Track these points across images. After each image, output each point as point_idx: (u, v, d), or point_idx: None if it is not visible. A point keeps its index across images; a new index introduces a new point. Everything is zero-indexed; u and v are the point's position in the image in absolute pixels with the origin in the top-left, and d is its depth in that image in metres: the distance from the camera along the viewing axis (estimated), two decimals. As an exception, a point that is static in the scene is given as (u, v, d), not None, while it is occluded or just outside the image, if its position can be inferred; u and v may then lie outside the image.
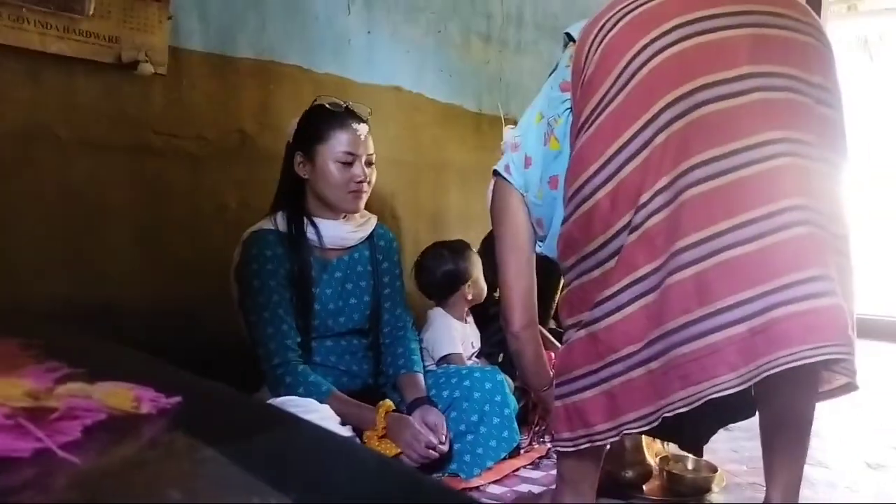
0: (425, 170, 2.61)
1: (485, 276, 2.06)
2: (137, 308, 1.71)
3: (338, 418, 1.42)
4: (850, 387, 1.11)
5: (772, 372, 0.92)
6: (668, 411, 0.99)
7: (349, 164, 1.62)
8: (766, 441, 1.20)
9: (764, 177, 0.97)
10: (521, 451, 1.77)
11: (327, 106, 1.65)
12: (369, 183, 1.67)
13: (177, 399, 0.59)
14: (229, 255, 1.68)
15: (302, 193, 1.68)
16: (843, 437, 2.02)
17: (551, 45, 3.16)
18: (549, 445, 1.78)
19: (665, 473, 1.57)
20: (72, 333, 0.96)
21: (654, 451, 1.64)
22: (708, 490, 1.54)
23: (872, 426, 2.13)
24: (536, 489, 1.55)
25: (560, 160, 1.21)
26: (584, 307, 1.12)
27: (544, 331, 2.03)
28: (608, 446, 1.18)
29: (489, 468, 1.65)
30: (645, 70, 1.04)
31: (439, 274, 2.05)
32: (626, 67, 1.06)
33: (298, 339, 1.59)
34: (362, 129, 1.65)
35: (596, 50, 1.11)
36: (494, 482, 1.61)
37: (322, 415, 1.39)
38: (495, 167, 1.35)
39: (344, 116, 1.64)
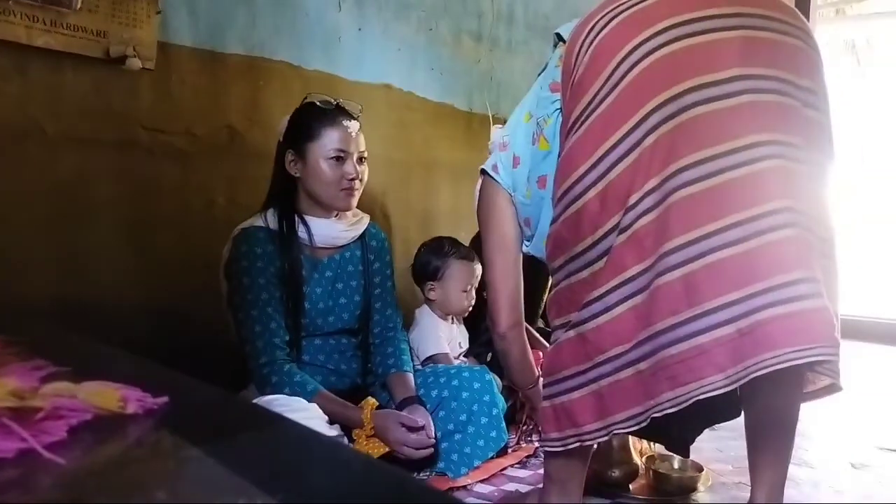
0: (416, 168, 2.61)
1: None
2: (124, 305, 1.69)
3: (325, 417, 1.41)
4: (834, 388, 1.13)
5: (759, 373, 0.93)
6: (657, 412, 1.00)
7: (341, 162, 1.62)
8: (751, 441, 1.21)
9: (751, 179, 0.97)
10: (509, 451, 1.77)
11: (318, 104, 1.64)
12: (361, 180, 1.66)
13: (163, 399, 0.59)
14: (218, 251, 1.67)
15: (293, 191, 1.67)
16: (828, 437, 2.04)
17: (542, 45, 3.16)
18: (536, 445, 1.78)
19: (651, 473, 1.57)
20: (57, 331, 0.96)
21: (640, 450, 1.65)
22: (694, 489, 1.55)
23: (857, 427, 2.15)
24: (524, 488, 1.56)
25: (549, 160, 1.21)
26: (572, 307, 1.12)
27: (532, 330, 2.03)
28: (595, 446, 1.18)
29: (477, 467, 1.65)
30: (635, 71, 1.04)
31: (418, 258, 2.08)
32: (616, 68, 1.06)
33: (287, 338, 1.58)
34: (353, 126, 1.65)
35: (586, 51, 1.11)
36: (482, 481, 1.62)
37: (309, 414, 1.38)
38: (483, 166, 1.35)
39: (335, 114, 1.64)
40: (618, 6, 1.11)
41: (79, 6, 1.58)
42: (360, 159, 1.66)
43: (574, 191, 1.10)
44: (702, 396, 0.96)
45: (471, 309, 2.07)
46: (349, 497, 0.47)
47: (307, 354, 1.66)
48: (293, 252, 1.62)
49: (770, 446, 1.19)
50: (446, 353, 1.99)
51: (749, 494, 1.24)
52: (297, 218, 1.65)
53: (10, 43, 1.51)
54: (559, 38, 1.25)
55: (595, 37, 1.10)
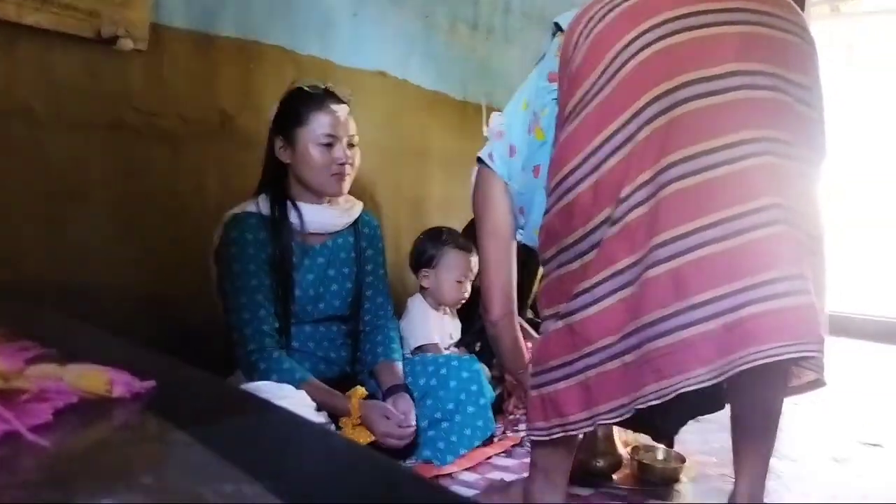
0: (408, 156, 2.60)
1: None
2: (113, 288, 1.68)
3: (313, 405, 1.42)
4: (818, 383, 1.14)
5: (743, 368, 0.94)
6: (641, 404, 1.01)
7: (330, 147, 1.61)
8: (735, 433, 1.23)
9: (742, 175, 0.98)
10: (496, 440, 1.78)
11: (306, 89, 1.63)
12: (352, 165, 1.65)
13: (150, 383, 0.59)
14: (208, 236, 1.66)
15: (285, 177, 1.66)
16: (811, 431, 2.06)
17: (538, 35, 3.15)
18: (522, 434, 1.79)
19: (635, 463, 1.59)
20: (45, 313, 0.95)
21: (624, 441, 1.66)
22: (677, 480, 1.57)
23: (839, 421, 2.18)
24: (509, 477, 1.57)
25: (544, 150, 1.21)
26: (562, 298, 1.13)
27: (522, 321, 2.04)
28: (581, 436, 1.19)
29: (463, 455, 1.66)
30: (631, 64, 1.04)
31: (416, 246, 2.08)
32: (613, 60, 1.06)
33: (276, 326, 1.58)
34: (343, 110, 1.64)
35: (584, 42, 1.11)
36: (467, 469, 1.63)
37: (296, 401, 1.38)
38: (479, 154, 1.35)
39: (323, 98, 1.62)
40: None
41: (70, -16, 1.56)
42: (351, 144, 1.65)
43: (567, 182, 1.11)
44: (686, 390, 0.97)
45: (465, 301, 2.07)
46: (337, 483, 0.48)
47: (297, 341, 1.66)
48: (284, 238, 1.62)
49: (754, 439, 1.20)
50: (436, 344, 1.99)
51: (732, 486, 1.25)
52: (288, 204, 1.64)
53: (-1, 20, 1.49)
54: (558, 27, 1.25)
55: (593, 28, 1.10)
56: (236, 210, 1.62)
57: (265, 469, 0.46)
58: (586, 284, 1.07)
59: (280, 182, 1.65)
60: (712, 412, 1.44)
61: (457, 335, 2.13)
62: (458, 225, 2.26)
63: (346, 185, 1.67)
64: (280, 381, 1.46)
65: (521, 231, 1.34)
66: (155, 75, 1.77)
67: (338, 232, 1.72)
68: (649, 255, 1.00)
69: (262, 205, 1.62)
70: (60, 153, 1.62)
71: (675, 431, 1.53)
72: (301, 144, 1.60)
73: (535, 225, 1.24)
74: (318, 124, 1.60)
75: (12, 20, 1.50)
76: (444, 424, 1.68)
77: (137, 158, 1.76)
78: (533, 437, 1.19)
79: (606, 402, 1.06)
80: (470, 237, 2.04)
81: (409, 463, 1.62)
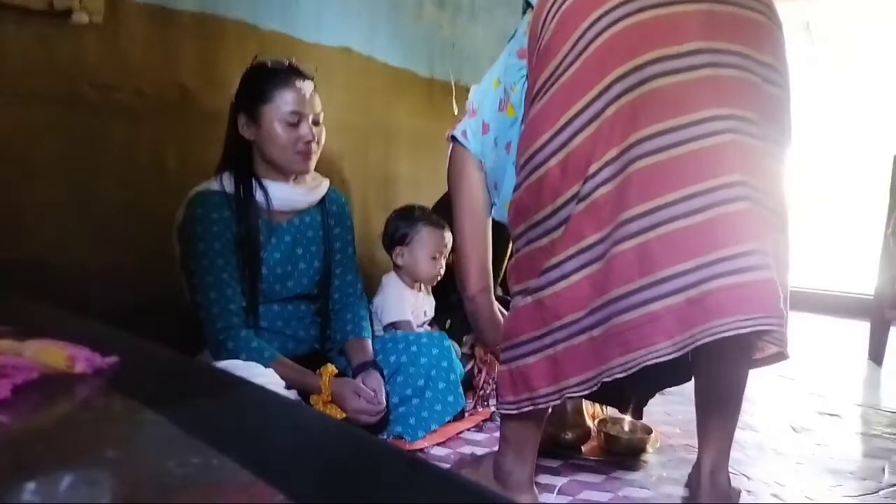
0: (375, 135, 2.58)
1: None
2: (68, 266, 1.64)
3: (282, 383, 1.40)
4: (781, 356, 1.17)
5: (705, 340, 0.95)
6: (607, 376, 1.02)
7: (295, 125, 1.58)
8: (700, 405, 1.25)
9: (708, 152, 0.99)
10: (466, 415, 1.79)
11: (269, 64, 1.60)
12: (318, 143, 1.63)
13: (113, 359, 0.58)
14: (168, 213, 1.62)
15: (249, 155, 1.63)
16: (772, 402, 2.12)
17: (505, 13, 3.13)
18: (492, 409, 1.81)
19: (603, 435, 1.62)
20: (0, 290, 0.92)
21: (592, 413, 1.69)
22: (643, 451, 1.60)
23: (800, 393, 2.24)
24: (480, 451, 1.58)
25: (515, 127, 1.21)
26: (531, 274, 1.13)
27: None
28: (550, 409, 1.21)
29: (433, 431, 1.67)
30: (599, 40, 1.04)
31: (388, 224, 2.08)
32: (581, 37, 1.06)
33: (243, 304, 1.56)
34: (307, 87, 1.61)
35: (552, 18, 1.10)
36: (438, 444, 1.64)
37: (266, 380, 1.37)
38: (453, 132, 1.34)
39: (287, 74, 1.59)
40: None
41: (20, -47, 1.50)
42: (316, 121, 1.62)
43: (536, 158, 1.11)
44: (650, 362, 0.98)
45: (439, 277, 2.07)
46: (310, 457, 0.47)
47: (265, 320, 1.64)
48: (250, 217, 1.59)
49: (718, 411, 1.23)
50: (408, 321, 1.99)
51: (696, 456, 1.28)
52: (254, 182, 1.61)
53: (-55, -9, 1.43)
54: (528, 4, 1.24)
55: (562, 4, 1.09)
56: (200, 188, 1.59)
57: (235, 443, 0.45)
58: (554, 260, 1.08)
59: (243, 159, 1.62)
60: (679, 384, 1.47)
61: (431, 312, 2.13)
62: (428, 202, 2.25)
63: (312, 162, 1.64)
64: (249, 360, 1.44)
65: (493, 207, 1.34)
66: (112, 49, 1.72)
67: (305, 210, 1.70)
68: (616, 231, 1.01)
69: (226, 182, 1.59)
70: (13, 128, 1.57)
71: (644, 403, 1.56)
72: (266, 122, 1.57)
73: (505, 200, 1.25)
74: (283, 101, 1.57)
75: (-41, -10, 1.44)
76: (415, 401, 1.69)
77: (94, 134, 1.71)
78: (503, 411, 1.21)
79: (574, 375, 1.07)
80: (440, 214, 2.04)
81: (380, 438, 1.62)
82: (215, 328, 1.50)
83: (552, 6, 1.11)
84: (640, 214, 0.99)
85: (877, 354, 2.71)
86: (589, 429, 1.63)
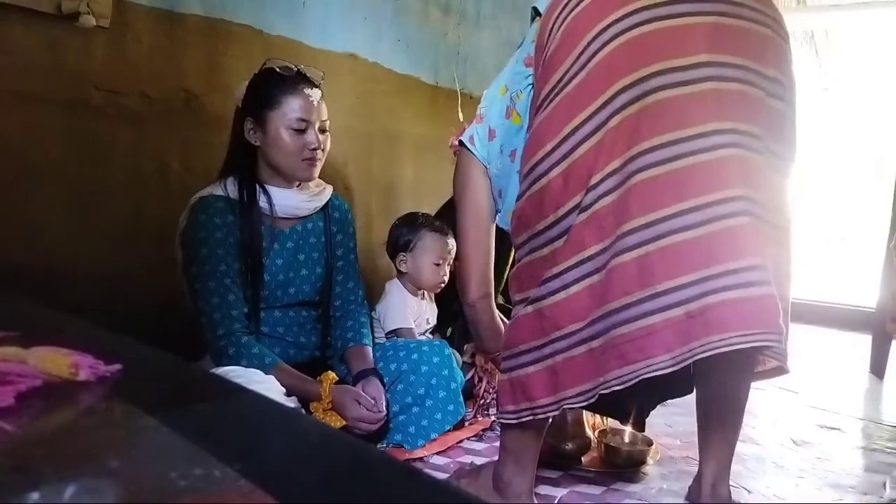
0: (379, 140, 2.58)
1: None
2: (73, 271, 1.64)
3: (283, 390, 1.40)
4: (780, 370, 1.16)
5: (704, 355, 0.95)
6: (605, 389, 1.02)
7: (302, 132, 1.58)
8: (701, 418, 1.25)
9: (709, 166, 0.99)
10: (466, 424, 1.79)
11: (278, 70, 1.60)
12: (323, 150, 1.63)
13: (117, 366, 0.58)
14: (171, 218, 1.63)
15: (253, 160, 1.63)
16: (773, 415, 2.11)
17: (510, 21, 3.14)
18: (493, 418, 1.81)
19: (603, 446, 1.61)
20: (5, 295, 0.92)
21: (593, 424, 1.68)
22: (643, 462, 1.59)
23: (801, 406, 2.24)
24: (479, 460, 1.58)
25: (521, 135, 1.22)
26: (532, 284, 1.13)
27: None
28: (550, 420, 1.20)
29: (433, 440, 1.67)
30: (604, 52, 1.05)
31: (392, 231, 2.08)
32: (586, 48, 1.06)
33: (245, 310, 1.56)
34: (315, 94, 1.61)
35: (559, 28, 1.11)
36: (438, 453, 1.63)
37: (266, 386, 1.37)
38: (461, 137, 1.35)
39: (296, 81, 1.59)
40: None
41: (28, -43, 1.51)
42: (322, 129, 1.63)
43: (539, 168, 1.11)
44: (648, 375, 0.98)
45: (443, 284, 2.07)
46: (308, 466, 0.47)
47: (266, 326, 1.64)
48: (253, 222, 1.59)
49: (720, 423, 1.22)
50: (410, 328, 1.99)
51: (696, 469, 1.28)
52: (257, 187, 1.61)
53: (-47, -7, 1.44)
54: (536, 12, 1.24)
55: (568, 14, 1.10)
56: (203, 193, 1.59)
57: (236, 453, 0.45)
58: (555, 270, 1.08)
59: (248, 164, 1.62)
60: (681, 396, 1.46)
61: (433, 320, 2.12)
62: (431, 210, 2.26)
63: (317, 170, 1.64)
64: (249, 366, 1.44)
65: (498, 214, 1.34)
66: (118, 53, 1.72)
67: (307, 216, 1.70)
68: (617, 243, 1.01)
69: (230, 188, 1.59)
70: (19, 130, 1.57)
71: (646, 415, 1.56)
72: (272, 127, 1.58)
73: (509, 209, 1.25)
74: (291, 108, 1.57)
75: (-33, -8, 1.45)
76: (415, 409, 1.69)
77: (99, 137, 1.71)
78: (503, 421, 1.20)
79: (572, 386, 1.07)
80: (444, 221, 2.04)
81: (380, 447, 1.62)
82: (217, 334, 1.50)
83: (558, 16, 1.12)
84: (640, 226, 0.99)
85: (878, 368, 2.71)
86: (589, 440, 1.63)
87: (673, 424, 1.90)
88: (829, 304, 3.99)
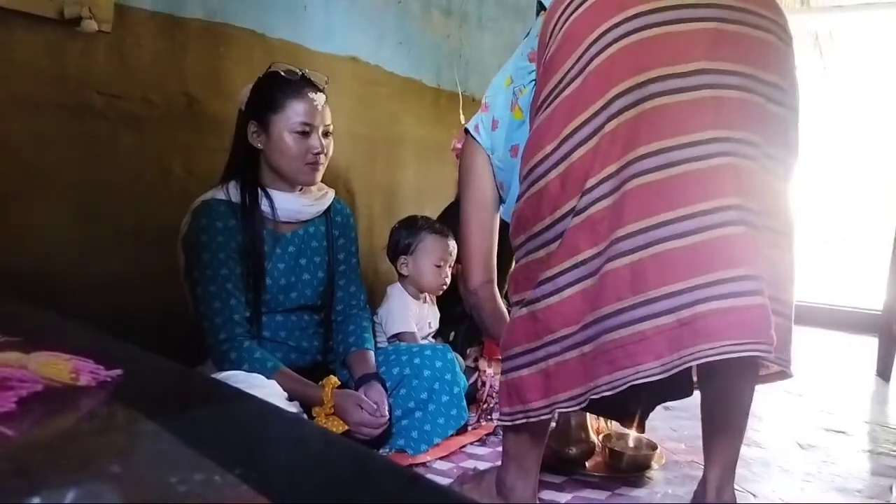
0: (381, 144, 2.58)
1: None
2: (74, 275, 1.64)
3: (284, 394, 1.40)
4: (783, 374, 1.16)
5: (694, 363, 0.95)
6: (595, 394, 1.01)
7: (305, 136, 1.58)
8: (706, 422, 1.24)
9: (704, 174, 0.98)
10: (469, 429, 1.78)
11: (282, 73, 1.60)
12: (326, 155, 1.63)
13: (117, 372, 0.57)
14: (173, 222, 1.62)
15: (255, 164, 1.63)
16: (779, 419, 2.10)
17: (512, 23, 3.15)
18: (496, 423, 1.80)
19: (607, 450, 1.60)
20: (6, 301, 0.92)
21: (597, 429, 1.68)
22: (647, 467, 1.59)
23: (807, 409, 2.23)
24: (482, 465, 1.57)
25: (522, 130, 1.22)
26: (528, 286, 1.13)
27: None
28: (553, 423, 1.20)
29: (436, 444, 1.66)
30: (603, 56, 1.04)
31: (392, 235, 2.07)
32: (585, 51, 1.06)
33: (247, 315, 1.56)
34: (319, 98, 1.61)
35: (560, 29, 1.10)
36: (441, 458, 1.63)
37: (268, 391, 1.36)
38: (466, 125, 1.35)
39: (300, 85, 1.59)
40: None
41: (31, -38, 1.51)
42: (326, 133, 1.63)
43: (538, 170, 1.11)
44: (637, 382, 0.98)
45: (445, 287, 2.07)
46: (310, 472, 0.47)
47: (268, 331, 1.64)
48: (255, 226, 1.59)
49: (724, 427, 1.22)
50: (413, 333, 1.98)
51: (701, 473, 1.27)
52: (259, 191, 1.61)
53: (-45, -2, 1.44)
54: (541, 5, 1.24)
55: (570, 15, 1.09)
56: (205, 197, 1.59)
57: (237, 459, 0.45)
58: (549, 273, 1.08)
59: (250, 168, 1.62)
60: (681, 398, 1.45)
61: (436, 324, 2.12)
62: (433, 213, 2.25)
63: (320, 174, 1.64)
64: (251, 370, 1.44)
65: (502, 205, 1.34)
66: (119, 57, 1.73)
67: (309, 220, 1.70)
68: (610, 248, 1.00)
69: (232, 191, 1.59)
70: (20, 135, 1.57)
71: (645, 416, 1.55)
72: (275, 131, 1.58)
73: (510, 204, 1.25)
74: (294, 112, 1.57)
75: (-30, -2, 1.45)
76: (418, 413, 1.68)
77: (100, 142, 1.71)
78: (501, 422, 1.20)
79: (564, 390, 1.07)
80: (446, 224, 2.04)
81: (383, 452, 1.61)
82: (218, 338, 1.50)
83: (560, 17, 1.11)
84: (634, 232, 0.99)
85: (885, 371, 2.69)
86: (593, 444, 1.62)
87: (677, 429, 1.89)
88: (835, 307, 3.98)
